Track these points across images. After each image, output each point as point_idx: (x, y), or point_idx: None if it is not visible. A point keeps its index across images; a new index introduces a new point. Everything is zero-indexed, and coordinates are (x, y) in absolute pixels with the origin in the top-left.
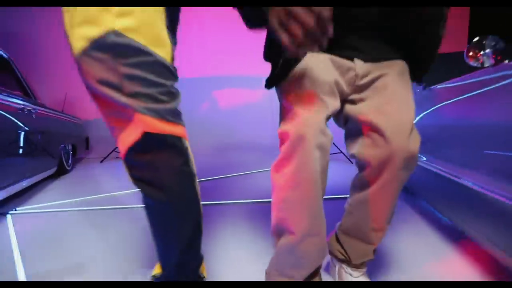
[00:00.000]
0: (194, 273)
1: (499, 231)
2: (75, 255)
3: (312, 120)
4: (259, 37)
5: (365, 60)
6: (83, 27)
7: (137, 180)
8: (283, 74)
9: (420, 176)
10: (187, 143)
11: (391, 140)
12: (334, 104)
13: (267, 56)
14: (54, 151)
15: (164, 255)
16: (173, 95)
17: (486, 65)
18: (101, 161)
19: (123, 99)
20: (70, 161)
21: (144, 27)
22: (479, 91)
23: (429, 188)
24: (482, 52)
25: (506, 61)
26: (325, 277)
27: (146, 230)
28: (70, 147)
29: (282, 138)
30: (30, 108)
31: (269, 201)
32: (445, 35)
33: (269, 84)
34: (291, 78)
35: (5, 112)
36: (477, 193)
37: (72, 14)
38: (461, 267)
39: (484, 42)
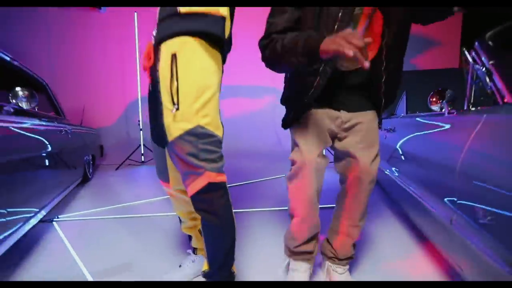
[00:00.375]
0: (229, 269)
1: (435, 230)
2: (120, 256)
3: (311, 152)
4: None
5: (348, 111)
6: (181, 122)
7: (199, 210)
8: (295, 118)
9: (394, 186)
10: (227, 184)
11: (361, 164)
12: (326, 140)
13: (284, 102)
14: (81, 163)
15: (212, 257)
16: (222, 157)
17: (442, 110)
18: (116, 169)
19: (199, 162)
20: (90, 170)
21: (213, 121)
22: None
23: (399, 195)
24: (441, 101)
25: (455, 112)
26: (318, 276)
27: (168, 236)
28: (90, 157)
29: (292, 162)
30: (67, 129)
31: (274, 209)
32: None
33: (285, 125)
34: (300, 121)
35: (53, 135)
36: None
37: (175, 115)
38: (422, 265)
39: (443, 93)
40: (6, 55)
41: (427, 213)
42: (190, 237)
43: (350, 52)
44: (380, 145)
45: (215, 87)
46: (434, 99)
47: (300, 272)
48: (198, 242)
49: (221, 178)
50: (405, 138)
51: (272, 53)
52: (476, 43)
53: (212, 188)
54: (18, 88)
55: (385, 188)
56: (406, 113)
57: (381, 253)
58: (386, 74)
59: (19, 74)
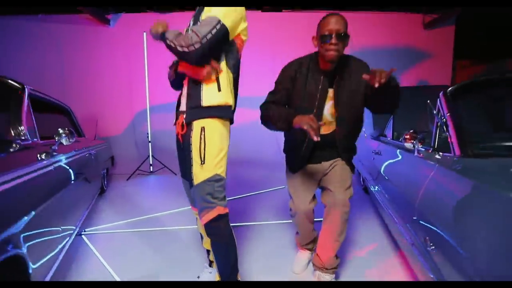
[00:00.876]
0: (236, 278)
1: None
2: (146, 267)
3: (302, 203)
4: (261, 63)
5: (326, 161)
6: (205, 172)
7: (211, 234)
8: (293, 170)
9: (377, 201)
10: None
11: (336, 195)
12: (314, 188)
13: (285, 152)
14: (99, 177)
15: (222, 270)
16: (225, 196)
17: (414, 148)
18: (127, 179)
19: (213, 200)
20: (105, 182)
21: (224, 170)
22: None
23: (381, 210)
24: (413, 141)
25: (422, 154)
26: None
27: (186, 249)
28: (105, 170)
29: (290, 208)
30: (90, 152)
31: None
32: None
33: (290, 169)
34: (294, 175)
35: (83, 160)
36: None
37: (202, 167)
38: (396, 269)
39: (416, 135)
40: (37, 92)
41: (396, 229)
42: (208, 252)
43: (307, 128)
44: (368, 165)
45: (227, 147)
46: (408, 137)
47: (305, 254)
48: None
49: (226, 210)
50: (386, 163)
51: (265, 116)
52: (440, 95)
53: (220, 218)
54: (60, 130)
55: (373, 201)
56: (392, 135)
57: (364, 259)
58: (340, 138)
59: (49, 104)
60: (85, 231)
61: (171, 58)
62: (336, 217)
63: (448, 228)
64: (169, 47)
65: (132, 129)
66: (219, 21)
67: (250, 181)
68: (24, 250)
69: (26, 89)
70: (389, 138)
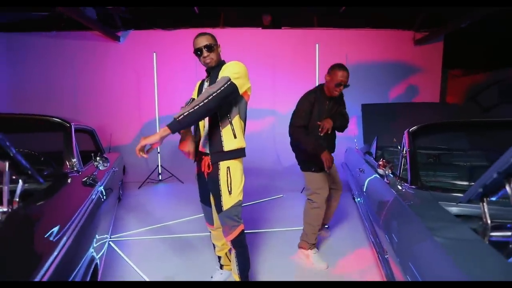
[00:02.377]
0: (248, 274)
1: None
2: (168, 269)
3: (325, 195)
4: (262, 76)
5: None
6: (232, 200)
7: (237, 246)
8: (316, 171)
9: (360, 211)
10: None
11: (338, 185)
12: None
13: (306, 159)
14: (118, 187)
15: (242, 270)
16: None
17: (385, 175)
18: (139, 187)
19: (238, 220)
20: (121, 191)
21: (242, 194)
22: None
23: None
24: (384, 168)
25: (389, 182)
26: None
27: (200, 254)
28: (121, 181)
29: (313, 200)
30: (115, 169)
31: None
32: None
33: (303, 169)
34: (316, 174)
35: (111, 177)
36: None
37: (230, 196)
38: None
39: (387, 164)
40: (77, 125)
41: (370, 239)
42: (219, 258)
43: (326, 163)
44: (355, 178)
45: (244, 178)
46: (381, 164)
47: (313, 250)
48: (224, 261)
49: (243, 227)
50: (367, 181)
51: (299, 138)
52: (405, 132)
53: (242, 233)
54: (98, 158)
55: (358, 209)
56: (376, 154)
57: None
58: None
59: (80, 129)
60: (110, 238)
61: (178, 73)
62: (339, 196)
63: (393, 244)
64: (189, 115)
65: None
66: (229, 80)
67: (250, 190)
68: (96, 254)
69: (72, 126)
70: (372, 158)
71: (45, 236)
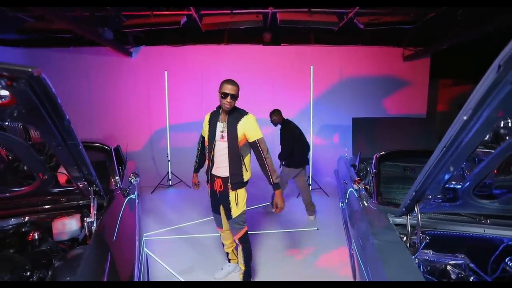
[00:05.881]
0: (250, 265)
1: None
2: (186, 262)
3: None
4: (262, 91)
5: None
6: (239, 209)
7: (243, 242)
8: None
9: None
10: None
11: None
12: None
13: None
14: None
15: (247, 261)
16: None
17: (358, 190)
18: (152, 192)
19: (243, 223)
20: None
21: (245, 205)
22: (354, 197)
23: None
24: (358, 185)
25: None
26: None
27: (212, 251)
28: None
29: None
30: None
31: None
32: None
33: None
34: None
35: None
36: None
37: (237, 207)
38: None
39: (361, 180)
40: (106, 146)
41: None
42: (227, 254)
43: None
44: (341, 186)
45: (246, 193)
46: (357, 180)
47: None
48: (232, 255)
49: (247, 228)
50: (348, 192)
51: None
52: (374, 156)
53: (246, 233)
54: (131, 175)
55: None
56: (358, 167)
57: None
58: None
59: (100, 150)
60: None
61: (185, 86)
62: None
63: (356, 243)
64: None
65: (150, 145)
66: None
67: (251, 197)
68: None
69: (112, 149)
70: (354, 172)
71: (128, 236)
